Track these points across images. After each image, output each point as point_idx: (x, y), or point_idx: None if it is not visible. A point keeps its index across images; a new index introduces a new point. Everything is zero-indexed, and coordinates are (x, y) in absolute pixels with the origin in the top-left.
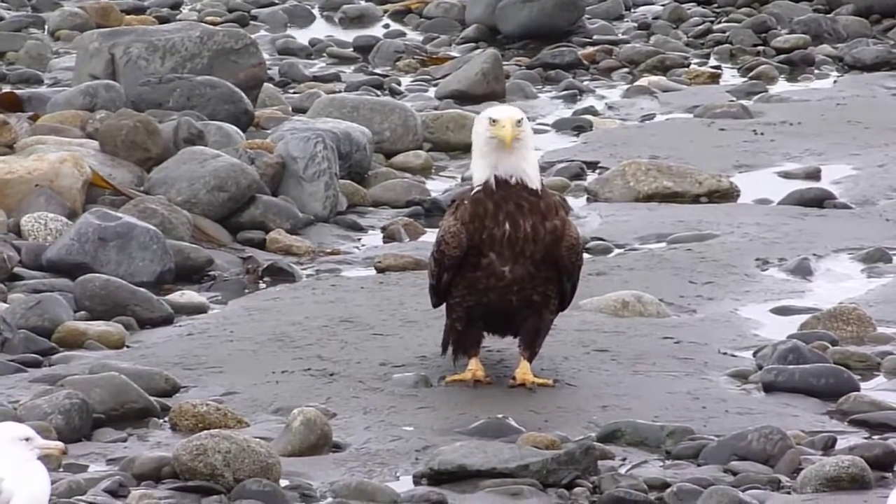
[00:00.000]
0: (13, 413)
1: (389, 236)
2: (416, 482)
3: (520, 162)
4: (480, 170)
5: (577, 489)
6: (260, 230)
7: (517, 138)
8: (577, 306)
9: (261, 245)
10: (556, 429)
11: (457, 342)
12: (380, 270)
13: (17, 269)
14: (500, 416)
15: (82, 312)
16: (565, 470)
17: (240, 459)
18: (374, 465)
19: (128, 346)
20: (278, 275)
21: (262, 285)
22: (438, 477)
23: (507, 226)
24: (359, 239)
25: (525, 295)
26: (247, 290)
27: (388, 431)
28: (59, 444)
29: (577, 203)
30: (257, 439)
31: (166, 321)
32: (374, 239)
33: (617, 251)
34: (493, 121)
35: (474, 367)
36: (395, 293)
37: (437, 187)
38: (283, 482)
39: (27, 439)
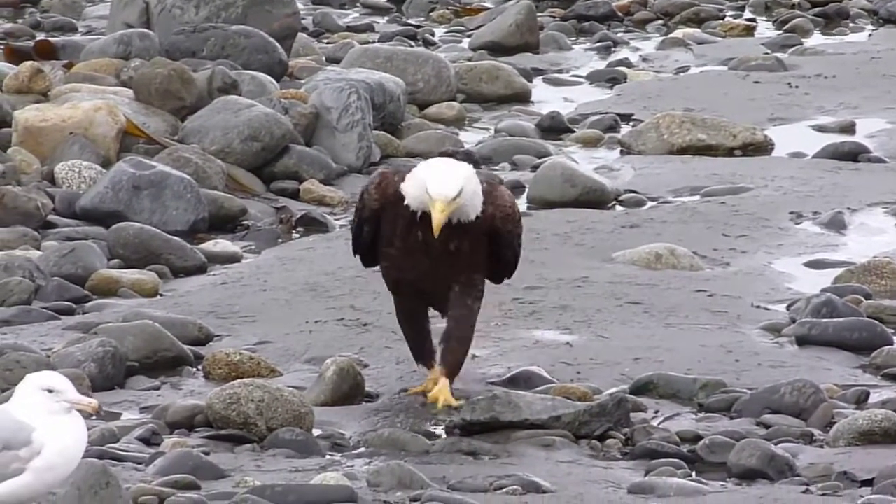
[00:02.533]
0: (46, 361)
1: None
2: (449, 433)
3: (456, 213)
4: (413, 200)
5: (609, 441)
6: (293, 180)
7: (450, 212)
8: (611, 258)
9: (294, 195)
10: (588, 381)
11: (409, 340)
12: None
13: (51, 217)
14: (532, 367)
15: (116, 260)
16: (597, 422)
17: (273, 408)
18: (406, 415)
19: (161, 295)
20: (311, 225)
21: (296, 235)
22: (471, 428)
23: (421, 236)
24: None
25: (445, 281)
26: (280, 240)
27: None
28: (93, 402)
29: (610, 155)
30: (290, 388)
31: (200, 270)
32: None
33: (650, 204)
34: (428, 191)
35: (445, 388)
36: None
37: (470, 138)
38: (316, 431)
39: (55, 391)
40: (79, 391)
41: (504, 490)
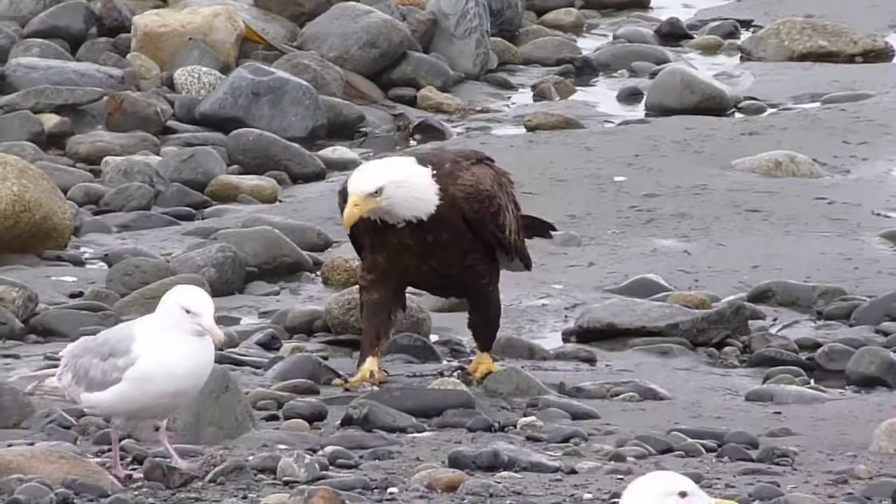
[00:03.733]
0: (165, 266)
1: (540, 94)
2: (565, 339)
3: (401, 213)
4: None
5: (726, 348)
6: (411, 87)
7: (374, 209)
8: (729, 166)
9: (411, 102)
10: (706, 288)
11: (365, 328)
12: (530, 129)
13: (171, 123)
14: (650, 274)
15: (235, 166)
16: (715, 329)
17: None
18: (523, 321)
19: (280, 201)
20: (428, 132)
21: (413, 142)
22: (587, 334)
23: (398, 241)
24: (509, 97)
25: (446, 273)
26: (397, 147)
27: (536, 289)
28: (221, 335)
29: (730, 62)
30: (408, 294)
31: (318, 176)
32: (524, 97)
33: (770, 111)
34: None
35: (370, 367)
36: (545, 152)
37: (588, 45)
38: (433, 337)
39: (192, 312)
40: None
41: (621, 396)
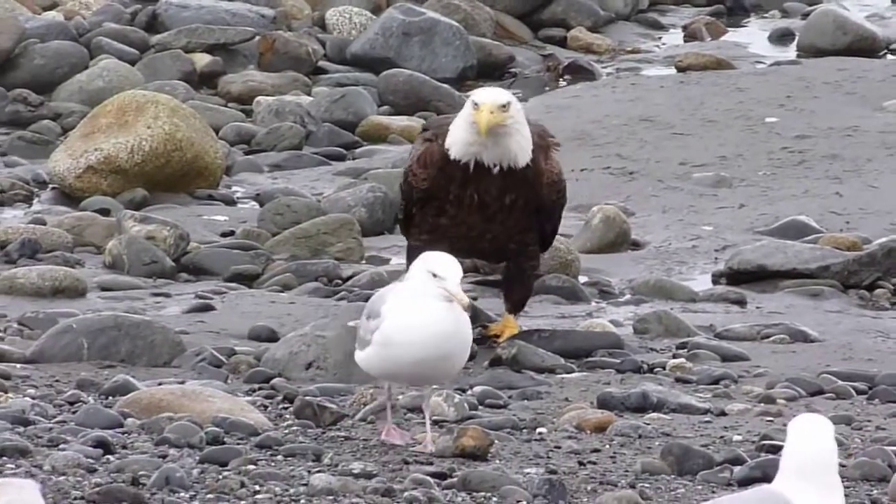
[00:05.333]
0: (316, 204)
1: (691, 35)
2: (715, 281)
3: (505, 149)
4: (459, 147)
5: (878, 290)
6: (561, 28)
7: (501, 125)
8: (881, 107)
9: (561, 43)
10: (857, 230)
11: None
12: (680, 69)
13: (322, 63)
14: (801, 216)
15: (385, 107)
16: (866, 271)
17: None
18: (672, 263)
19: None
20: (579, 73)
21: (563, 83)
22: (737, 276)
23: (477, 197)
24: (659, 38)
25: (499, 244)
26: (547, 88)
27: (686, 230)
28: (466, 299)
29: (882, 3)
30: (557, 236)
31: None
32: (674, 38)
33: None
34: (476, 104)
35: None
36: (696, 92)
37: None
38: (582, 279)
39: (438, 276)
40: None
41: (771, 338)
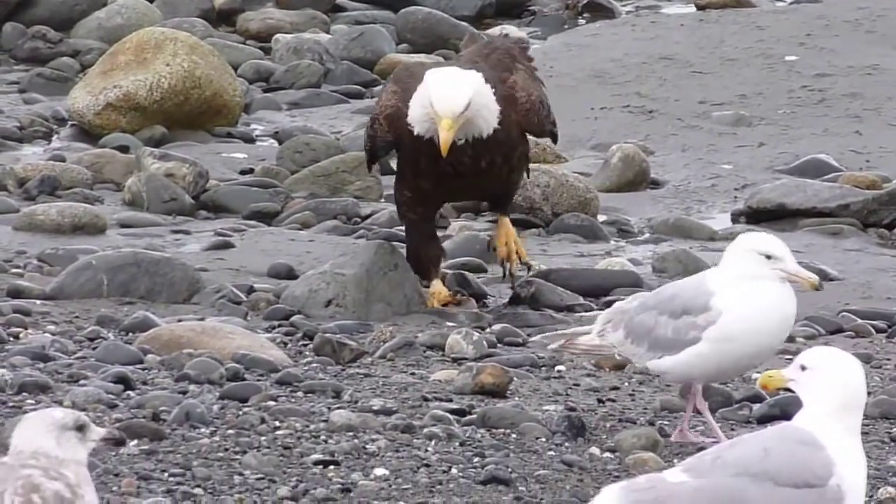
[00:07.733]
0: (335, 142)
1: None
2: (734, 220)
3: (469, 126)
4: (421, 125)
5: None
6: None
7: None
8: None
9: None
10: (877, 169)
11: (416, 259)
12: (700, 7)
13: (340, 1)
14: (821, 154)
15: (404, 45)
16: (886, 210)
17: (558, 193)
18: (691, 202)
19: None
20: (598, 11)
21: (582, 21)
22: (757, 215)
23: (452, 168)
24: None
25: (484, 193)
26: (566, 26)
27: (706, 169)
28: (814, 278)
29: None
30: (576, 174)
31: None
32: None
33: None
34: (433, 108)
35: (437, 289)
36: (716, 31)
37: None
38: (601, 217)
39: (773, 258)
40: None
41: None
